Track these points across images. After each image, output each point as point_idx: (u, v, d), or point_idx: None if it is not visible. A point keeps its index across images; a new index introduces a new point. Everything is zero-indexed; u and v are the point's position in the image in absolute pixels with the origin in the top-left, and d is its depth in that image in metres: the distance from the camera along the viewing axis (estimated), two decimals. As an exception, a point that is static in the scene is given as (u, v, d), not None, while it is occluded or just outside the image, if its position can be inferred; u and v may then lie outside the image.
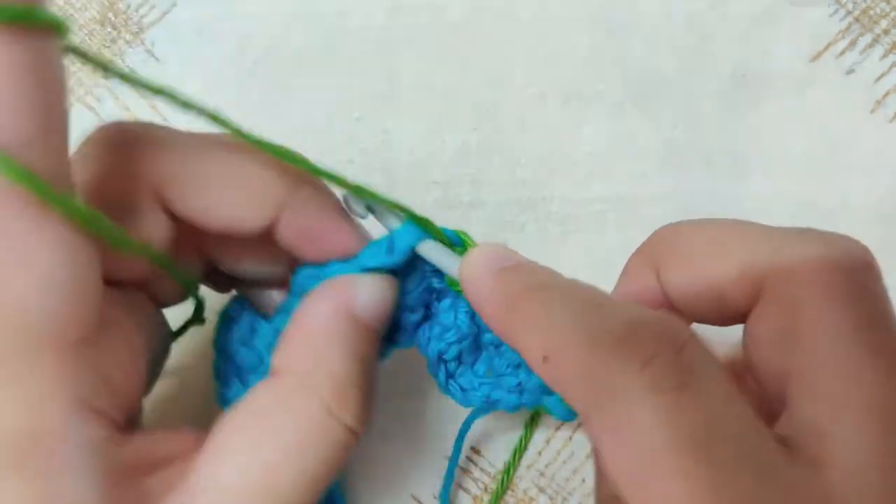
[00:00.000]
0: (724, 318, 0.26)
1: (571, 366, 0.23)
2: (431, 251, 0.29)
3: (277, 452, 0.24)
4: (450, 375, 0.31)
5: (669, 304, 0.27)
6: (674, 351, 0.22)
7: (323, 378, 0.25)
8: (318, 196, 0.28)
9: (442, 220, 0.38)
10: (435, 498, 0.36)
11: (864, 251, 0.24)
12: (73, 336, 0.22)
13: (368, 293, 0.28)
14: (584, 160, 0.39)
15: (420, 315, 0.30)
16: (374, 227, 0.30)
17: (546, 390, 0.30)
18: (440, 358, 0.30)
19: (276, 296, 0.31)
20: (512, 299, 0.26)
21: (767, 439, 0.22)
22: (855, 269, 0.23)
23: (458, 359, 0.31)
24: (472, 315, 0.30)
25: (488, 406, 0.31)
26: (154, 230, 0.26)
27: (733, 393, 0.22)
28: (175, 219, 0.26)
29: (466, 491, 0.36)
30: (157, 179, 0.25)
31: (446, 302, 0.30)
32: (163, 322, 0.29)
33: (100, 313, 0.23)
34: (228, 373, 0.30)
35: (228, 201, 0.26)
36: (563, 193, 0.38)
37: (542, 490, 0.36)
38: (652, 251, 0.28)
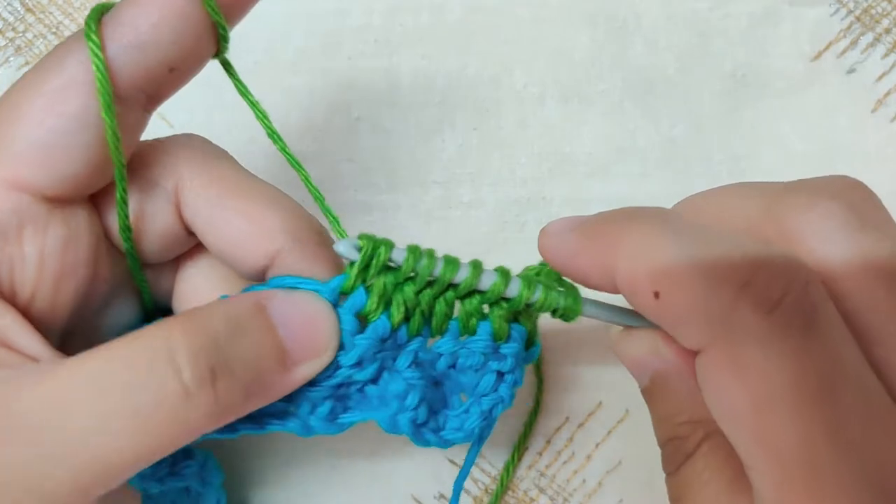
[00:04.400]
0: None
1: (687, 302, 0.22)
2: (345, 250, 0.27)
3: (95, 371, 0.23)
4: (426, 425, 0.29)
5: None
6: (800, 294, 0.21)
7: (183, 323, 0.24)
8: (312, 258, 0.28)
9: (442, 219, 0.38)
10: (435, 498, 0.36)
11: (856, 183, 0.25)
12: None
13: (288, 296, 0.26)
14: (584, 160, 0.39)
15: (329, 407, 0.28)
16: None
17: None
18: (405, 419, 0.28)
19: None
20: (610, 238, 0.24)
21: (877, 384, 0.22)
22: (858, 204, 0.24)
23: (427, 408, 0.29)
24: (416, 362, 0.28)
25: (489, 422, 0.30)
26: (159, 214, 0.28)
27: (849, 336, 0.22)
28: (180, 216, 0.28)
29: (467, 491, 0.36)
30: (181, 181, 0.28)
31: (393, 369, 0.28)
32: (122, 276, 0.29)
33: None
34: None
35: (233, 240, 0.27)
36: (563, 193, 0.38)
37: (542, 490, 0.36)
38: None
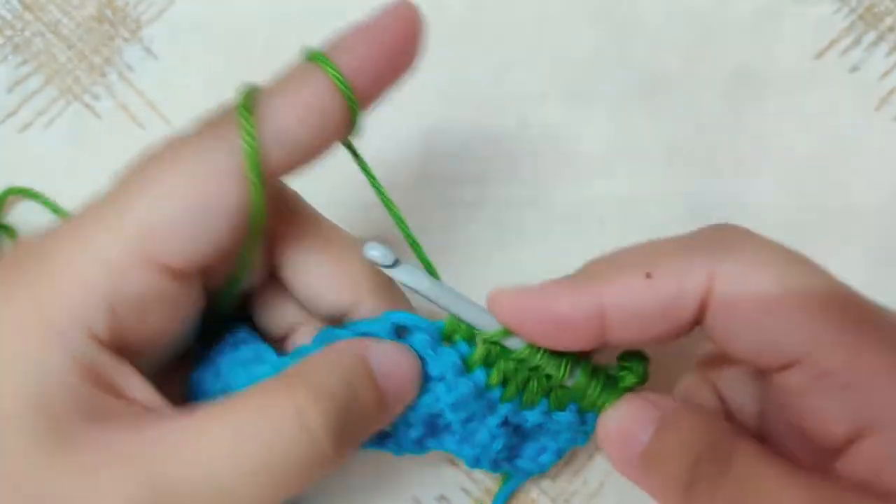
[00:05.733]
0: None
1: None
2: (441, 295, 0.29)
3: (232, 440, 0.24)
4: (504, 461, 0.32)
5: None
6: None
7: (307, 385, 0.26)
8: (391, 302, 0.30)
9: (443, 219, 0.38)
10: (435, 498, 0.36)
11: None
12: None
13: (382, 348, 0.28)
14: (586, 159, 0.39)
15: (419, 433, 0.30)
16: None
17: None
18: (486, 459, 0.31)
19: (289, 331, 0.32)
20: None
21: None
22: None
23: (508, 450, 0.31)
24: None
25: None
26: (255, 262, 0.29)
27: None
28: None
29: (467, 492, 0.36)
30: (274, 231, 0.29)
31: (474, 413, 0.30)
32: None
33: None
34: (213, 387, 0.29)
35: (324, 272, 0.29)
36: (564, 193, 0.38)
37: (543, 491, 0.36)
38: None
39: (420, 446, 0.31)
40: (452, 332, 0.29)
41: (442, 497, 0.36)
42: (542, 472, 0.32)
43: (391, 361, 0.28)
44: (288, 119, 0.26)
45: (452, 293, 0.29)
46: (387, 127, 0.39)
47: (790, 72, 0.39)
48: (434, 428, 0.30)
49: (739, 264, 0.26)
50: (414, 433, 0.30)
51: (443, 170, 0.38)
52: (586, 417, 0.30)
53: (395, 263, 0.28)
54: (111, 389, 0.25)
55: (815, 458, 0.26)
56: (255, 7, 0.40)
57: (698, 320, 0.27)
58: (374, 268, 0.28)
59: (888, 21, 0.39)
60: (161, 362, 0.28)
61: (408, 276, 0.28)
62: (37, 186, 0.37)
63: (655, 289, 0.26)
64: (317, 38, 0.40)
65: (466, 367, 0.29)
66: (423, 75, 0.40)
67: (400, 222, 0.30)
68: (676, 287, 0.26)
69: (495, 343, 0.29)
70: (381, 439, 0.30)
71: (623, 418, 0.28)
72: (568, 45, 0.39)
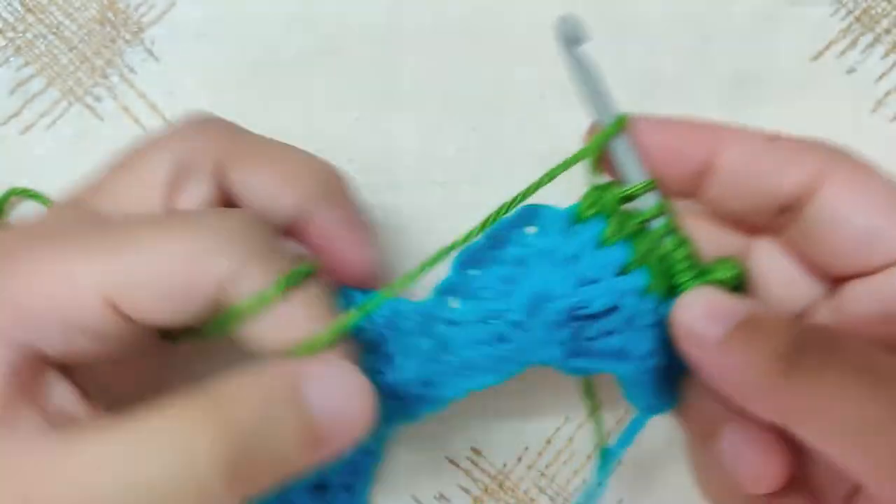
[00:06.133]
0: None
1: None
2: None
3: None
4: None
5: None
6: (802, 325, 0.24)
7: (211, 410, 0.23)
8: (347, 206, 0.30)
9: (442, 219, 0.38)
10: (435, 498, 0.36)
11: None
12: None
13: (325, 373, 0.25)
14: (585, 161, 0.39)
15: (615, 323, 0.26)
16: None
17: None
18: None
19: None
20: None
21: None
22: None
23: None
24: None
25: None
26: (200, 193, 0.28)
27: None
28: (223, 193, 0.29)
29: (466, 491, 0.36)
30: (220, 154, 0.28)
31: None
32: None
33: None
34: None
35: (269, 179, 0.28)
36: (563, 193, 0.38)
37: (542, 490, 0.36)
38: None
39: (571, 357, 0.27)
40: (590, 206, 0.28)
41: (441, 496, 0.36)
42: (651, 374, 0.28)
43: (336, 393, 0.24)
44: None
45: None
46: (387, 127, 0.39)
47: (788, 73, 0.39)
48: (579, 338, 0.27)
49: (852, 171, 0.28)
50: (564, 334, 0.26)
51: (442, 170, 0.39)
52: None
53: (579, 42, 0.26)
54: (29, 393, 0.24)
55: None
56: (257, 9, 0.40)
57: (791, 207, 0.27)
58: (325, 172, 0.29)
59: (885, 23, 0.39)
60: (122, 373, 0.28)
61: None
62: (38, 188, 0.37)
63: (774, 152, 0.27)
64: (317, 39, 0.40)
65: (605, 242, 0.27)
66: (422, 75, 0.40)
67: None
68: (793, 157, 0.27)
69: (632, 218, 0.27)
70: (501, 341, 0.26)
71: (716, 294, 0.26)
72: (567, 47, 0.39)
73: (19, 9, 0.40)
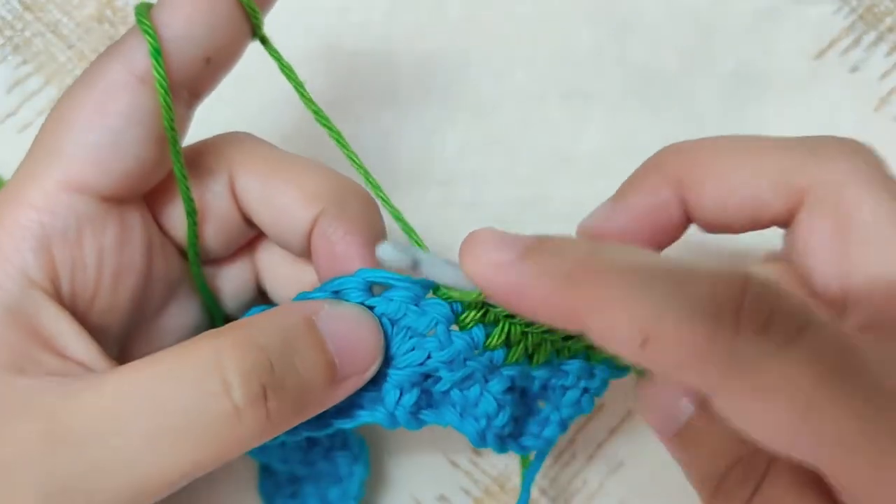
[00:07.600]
0: (757, 226, 0.27)
1: (680, 345, 0.21)
2: (432, 267, 0.25)
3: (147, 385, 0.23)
4: (510, 437, 0.29)
5: (685, 219, 0.27)
6: (784, 299, 0.21)
7: (235, 335, 0.24)
8: (353, 219, 0.29)
9: (442, 219, 0.38)
10: (436, 499, 0.36)
11: (870, 146, 0.26)
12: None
13: (335, 310, 0.26)
14: (586, 158, 0.38)
15: (412, 398, 0.27)
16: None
17: (594, 368, 0.28)
18: (492, 434, 0.28)
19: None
20: (570, 281, 0.22)
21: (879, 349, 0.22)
22: (880, 164, 0.26)
23: (513, 422, 0.28)
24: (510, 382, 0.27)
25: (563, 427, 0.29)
26: (216, 198, 0.28)
27: (833, 316, 0.23)
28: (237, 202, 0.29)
29: (467, 492, 0.36)
30: (233, 166, 0.29)
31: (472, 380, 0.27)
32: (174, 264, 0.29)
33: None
34: None
35: (284, 193, 0.28)
36: (564, 192, 0.38)
37: (543, 492, 0.36)
38: (669, 166, 0.28)
39: (415, 418, 0.27)
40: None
41: (442, 497, 0.36)
42: (548, 447, 0.30)
43: (345, 325, 0.26)
44: (174, 23, 0.25)
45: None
46: (387, 126, 0.39)
47: (790, 71, 0.39)
48: (430, 396, 0.28)
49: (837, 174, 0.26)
50: (407, 399, 0.27)
51: (443, 170, 0.38)
52: (594, 370, 0.28)
53: (416, 265, 0.25)
54: (47, 345, 0.25)
55: None
56: (255, 7, 0.40)
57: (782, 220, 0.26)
58: (336, 184, 0.29)
59: (888, 21, 0.39)
60: (124, 322, 0.28)
61: (434, 268, 0.25)
62: (37, 186, 0.37)
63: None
64: (317, 38, 0.40)
65: (461, 325, 0.27)
66: (422, 75, 0.40)
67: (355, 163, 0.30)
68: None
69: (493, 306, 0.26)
70: (373, 408, 0.27)
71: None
72: (567, 45, 0.39)
73: (17, 6, 0.39)
